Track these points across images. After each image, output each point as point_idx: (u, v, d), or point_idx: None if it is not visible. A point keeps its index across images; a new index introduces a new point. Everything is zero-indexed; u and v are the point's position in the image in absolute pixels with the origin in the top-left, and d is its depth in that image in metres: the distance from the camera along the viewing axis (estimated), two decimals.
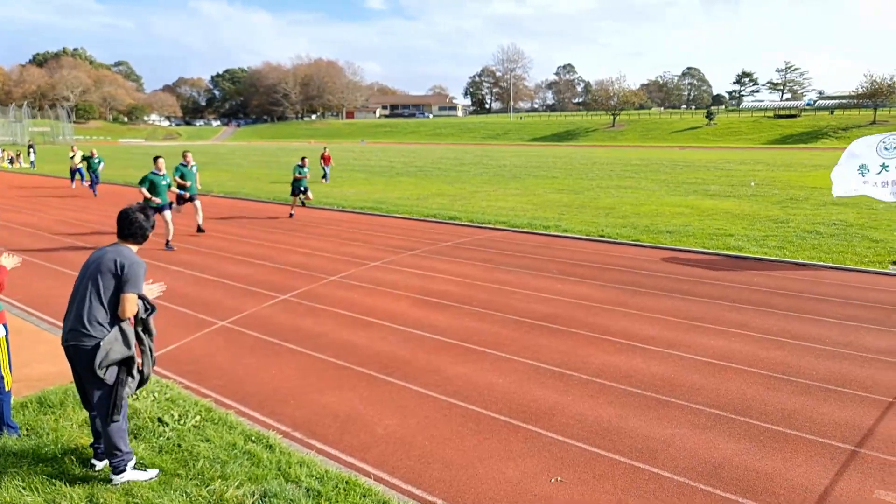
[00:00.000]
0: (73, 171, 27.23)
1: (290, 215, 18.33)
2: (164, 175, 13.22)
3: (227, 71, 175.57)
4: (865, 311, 8.68)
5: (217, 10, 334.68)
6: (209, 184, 28.06)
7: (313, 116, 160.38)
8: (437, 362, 6.84)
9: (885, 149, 10.65)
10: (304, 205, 19.38)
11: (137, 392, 4.84)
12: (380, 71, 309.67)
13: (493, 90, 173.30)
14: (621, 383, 6.27)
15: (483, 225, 16.51)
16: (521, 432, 5.28)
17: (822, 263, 11.63)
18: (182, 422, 5.22)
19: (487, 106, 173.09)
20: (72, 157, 27.32)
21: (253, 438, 5.00)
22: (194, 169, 14.78)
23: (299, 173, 18.46)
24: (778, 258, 12.11)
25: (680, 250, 13.05)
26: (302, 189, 18.46)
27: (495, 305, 9.02)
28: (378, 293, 9.72)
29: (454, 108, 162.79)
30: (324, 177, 29.68)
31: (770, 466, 4.73)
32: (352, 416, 5.59)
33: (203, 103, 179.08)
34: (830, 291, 9.73)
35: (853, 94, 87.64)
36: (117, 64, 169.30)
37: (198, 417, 5.30)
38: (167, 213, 13.14)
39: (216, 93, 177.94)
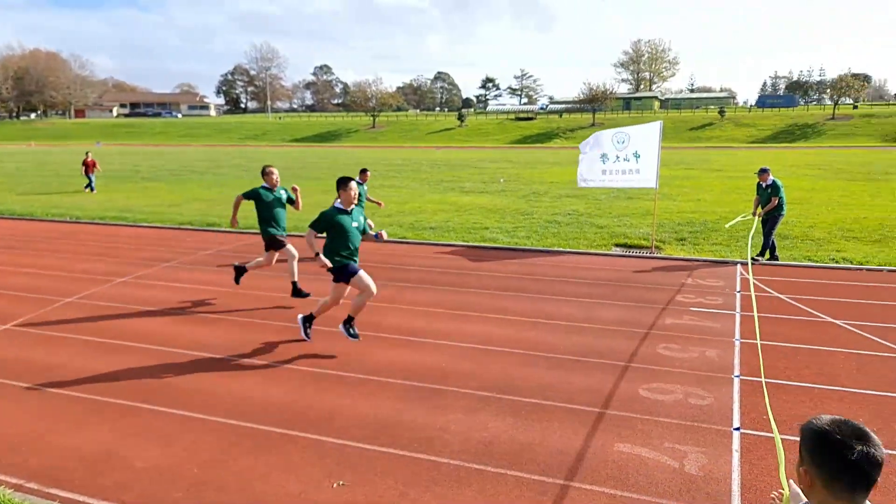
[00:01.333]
0: None
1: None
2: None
3: None
4: (598, 288, 9.96)
5: None
6: None
7: (32, 115, 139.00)
8: (204, 381, 6.34)
9: (618, 142, 12.46)
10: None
11: None
12: (113, 66, 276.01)
13: (249, 89, 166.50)
14: (398, 378, 6.39)
15: (247, 230, 15.75)
16: (301, 442, 5.11)
17: (561, 249, 13.10)
18: None
19: (243, 105, 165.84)
20: None
21: None
22: (283, 194, 9.73)
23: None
24: (526, 247, 13.37)
25: (443, 245, 13.76)
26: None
27: (265, 313, 8.65)
28: (128, 312, 8.74)
29: (206, 107, 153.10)
30: (89, 186, 25.38)
31: (532, 437, 5.18)
32: (104, 454, 4.93)
33: None
34: (570, 273, 11.00)
35: (576, 99, 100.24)
36: None
37: None
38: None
39: None
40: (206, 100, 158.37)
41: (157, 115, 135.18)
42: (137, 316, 8.55)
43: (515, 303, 9.12)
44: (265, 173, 9.52)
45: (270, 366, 6.74)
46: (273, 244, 9.31)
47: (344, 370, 6.61)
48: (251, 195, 9.42)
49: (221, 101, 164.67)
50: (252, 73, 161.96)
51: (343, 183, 7.24)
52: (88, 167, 25.51)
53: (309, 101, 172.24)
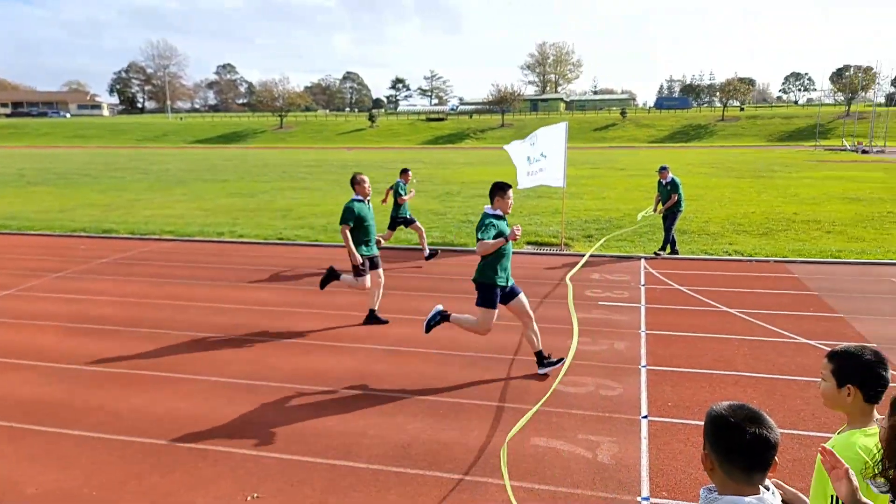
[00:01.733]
0: None
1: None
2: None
3: None
4: None
5: None
6: None
7: None
8: (103, 398, 5.96)
9: (531, 144, 12.74)
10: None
11: None
12: None
13: (146, 88, 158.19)
14: (314, 384, 6.26)
15: (147, 236, 15.00)
16: (211, 456, 4.90)
17: (474, 248, 13.23)
18: None
19: (140, 105, 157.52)
20: None
21: None
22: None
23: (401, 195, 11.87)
24: (441, 247, 13.43)
25: None
26: (405, 218, 11.98)
27: (170, 323, 8.24)
28: (15, 327, 8.10)
29: (98, 106, 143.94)
30: None
31: (450, 436, 5.19)
32: None
33: None
34: None
35: (485, 101, 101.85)
36: None
37: None
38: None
39: None
40: (97, 99, 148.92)
41: (43, 114, 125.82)
42: (25, 331, 7.93)
43: (430, 302, 9.08)
44: (357, 182, 7.98)
45: (177, 378, 6.43)
46: (372, 265, 8.14)
47: (256, 379, 6.40)
48: (350, 215, 7.81)
49: (115, 100, 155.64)
50: (149, 71, 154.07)
51: (501, 189, 6.15)
52: None
53: (212, 101, 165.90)
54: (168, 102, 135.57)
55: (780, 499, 1.87)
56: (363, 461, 4.81)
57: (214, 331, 7.93)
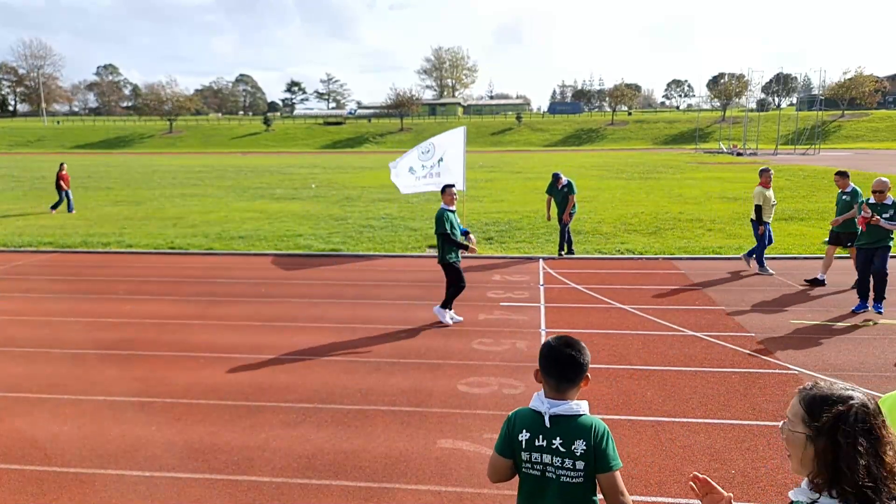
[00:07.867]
0: None
1: None
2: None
3: None
4: (414, 289, 10.16)
5: None
6: None
7: None
8: None
9: (423, 152, 12.71)
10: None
11: None
12: None
13: (18, 90, 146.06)
14: (210, 398, 5.99)
15: (22, 248, 13.85)
16: (99, 480, 4.58)
17: (377, 253, 13.19)
18: None
19: (12, 108, 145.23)
20: None
21: None
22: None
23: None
24: (342, 252, 13.27)
25: (254, 254, 13.18)
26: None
27: (49, 342, 7.64)
28: None
29: None
30: (68, 206, 20.25)
31: (355, 444, 5.13)
32: None
33: None
34: (386, 276, 11.10)
35: (384, 105, 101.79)
36: None
37: None
38: None
39: None
40: None
41: None
42: None
43: (333, 309, 9.00)
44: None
45: (58, 399, 5.97)
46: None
47: (147, 396, 6.05)
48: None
49: None
50: (21, 72, 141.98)
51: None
52: (65, 181, 20.46)
53: (93, 104, 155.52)
54: (43, 105, 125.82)
55: (587, 407, 2.55)
56: (266, 475, 4.66)
57: (100, 347, 7.43)
